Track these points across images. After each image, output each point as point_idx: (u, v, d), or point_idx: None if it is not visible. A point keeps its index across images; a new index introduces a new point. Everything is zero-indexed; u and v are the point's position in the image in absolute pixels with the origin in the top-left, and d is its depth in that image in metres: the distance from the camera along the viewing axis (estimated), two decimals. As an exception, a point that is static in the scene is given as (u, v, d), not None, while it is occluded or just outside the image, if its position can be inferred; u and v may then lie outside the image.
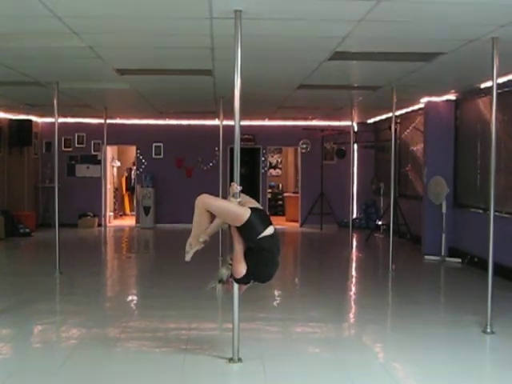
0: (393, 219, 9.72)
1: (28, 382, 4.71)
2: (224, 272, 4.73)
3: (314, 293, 8.09)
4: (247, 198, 4.87)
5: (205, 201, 4.67)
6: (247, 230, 4.55)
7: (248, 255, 4.62)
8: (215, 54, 6.88)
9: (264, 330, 6.20)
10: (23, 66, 7.81)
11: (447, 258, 10.52)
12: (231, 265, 4.70)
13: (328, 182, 15.84)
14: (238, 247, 4.63)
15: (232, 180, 5.00)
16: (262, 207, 4.85)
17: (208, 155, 16.10)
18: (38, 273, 9.48)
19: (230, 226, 4.79)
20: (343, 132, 15.23)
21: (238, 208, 4.65)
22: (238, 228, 4.61)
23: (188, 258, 4.82)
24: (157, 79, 8.73)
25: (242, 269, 4.58)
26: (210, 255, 10.73)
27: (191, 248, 4.78)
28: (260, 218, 4.61)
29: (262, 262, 4.61)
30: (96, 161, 16.12)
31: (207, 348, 5.51)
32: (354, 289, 8.86)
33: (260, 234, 4.53)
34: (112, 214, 17.29)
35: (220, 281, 4.74)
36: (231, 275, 4.73)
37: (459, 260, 10.39)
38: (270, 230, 4.57)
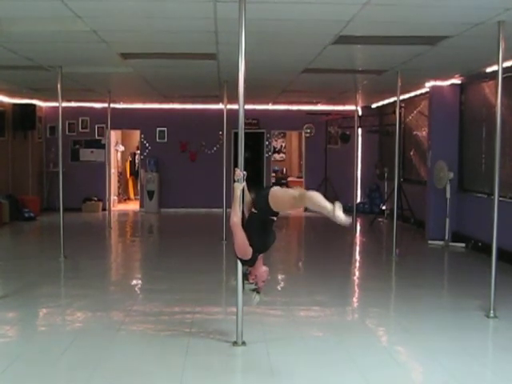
0: (397, 204, 9.73)
1: (33, 364, 4.74)
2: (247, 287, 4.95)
3: (317, 277, 8.11)
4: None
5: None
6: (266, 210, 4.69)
7: (246, 228, 4.74)
8: (219, 38, 6.83)
9: (268, 314, 6.22)
10: (26, 50, 7.78)
11: (451, 243, 10.52)
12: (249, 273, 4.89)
13: (332, 166, 15.83)
14: (242, 233, 4.71)
15: (236, 164, 5.04)
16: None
17: (212, 139, 16.07)
18: (42, 257, 9.53)
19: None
20: (347, 116, 15.18)
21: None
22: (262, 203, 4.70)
23: None
24: (160, 63, 8.70)
25: (249, 249, 4.66)
26: (214, 239, 10.80)
27: None
28: None
29: (259, 230, 4.72)
30: (100, 145, 16.13)
31: (211, 331, 5.55)
32: (357, 273, 8.88)
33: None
34: (116, 198, 17.33)
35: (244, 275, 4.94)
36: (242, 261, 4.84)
37: (463, 245, 10.39)
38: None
